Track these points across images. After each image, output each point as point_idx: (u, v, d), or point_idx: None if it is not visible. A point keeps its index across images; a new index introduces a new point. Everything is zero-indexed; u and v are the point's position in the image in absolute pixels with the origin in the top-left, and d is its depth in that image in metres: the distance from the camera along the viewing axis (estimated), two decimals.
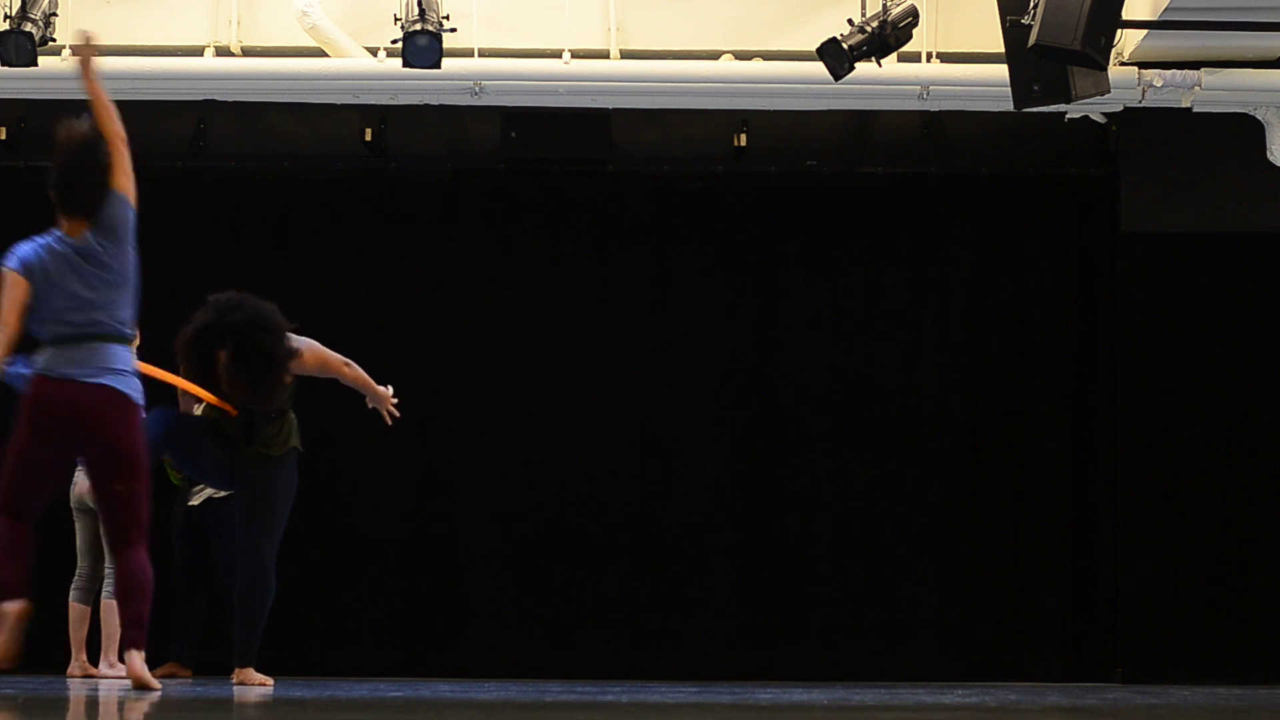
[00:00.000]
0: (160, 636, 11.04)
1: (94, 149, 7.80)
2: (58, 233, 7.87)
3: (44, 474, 7.82)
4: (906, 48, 11.09)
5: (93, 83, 7.85)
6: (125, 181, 7.83)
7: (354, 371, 9.47)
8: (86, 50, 7.93)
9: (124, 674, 10.27)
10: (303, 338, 9.32)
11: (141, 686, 7.94)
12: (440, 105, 12.07)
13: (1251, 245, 11.94)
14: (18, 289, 7.77)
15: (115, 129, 7.82)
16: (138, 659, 7.89)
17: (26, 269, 7.79)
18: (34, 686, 8.72)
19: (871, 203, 12.22)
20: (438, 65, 10.97)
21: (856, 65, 10.94)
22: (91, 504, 10.47)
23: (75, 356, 7.71)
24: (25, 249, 7.87)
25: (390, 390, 9.51)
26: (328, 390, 11.99)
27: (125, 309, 7.80)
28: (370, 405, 9.58)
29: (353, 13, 11.78)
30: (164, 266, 12.06)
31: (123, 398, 7.76)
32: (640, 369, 12.16)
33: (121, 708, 6.90)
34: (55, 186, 7.85)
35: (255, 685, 9.19)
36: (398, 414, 9.53)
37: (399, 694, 8.29)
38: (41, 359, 7.77)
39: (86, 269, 7.77)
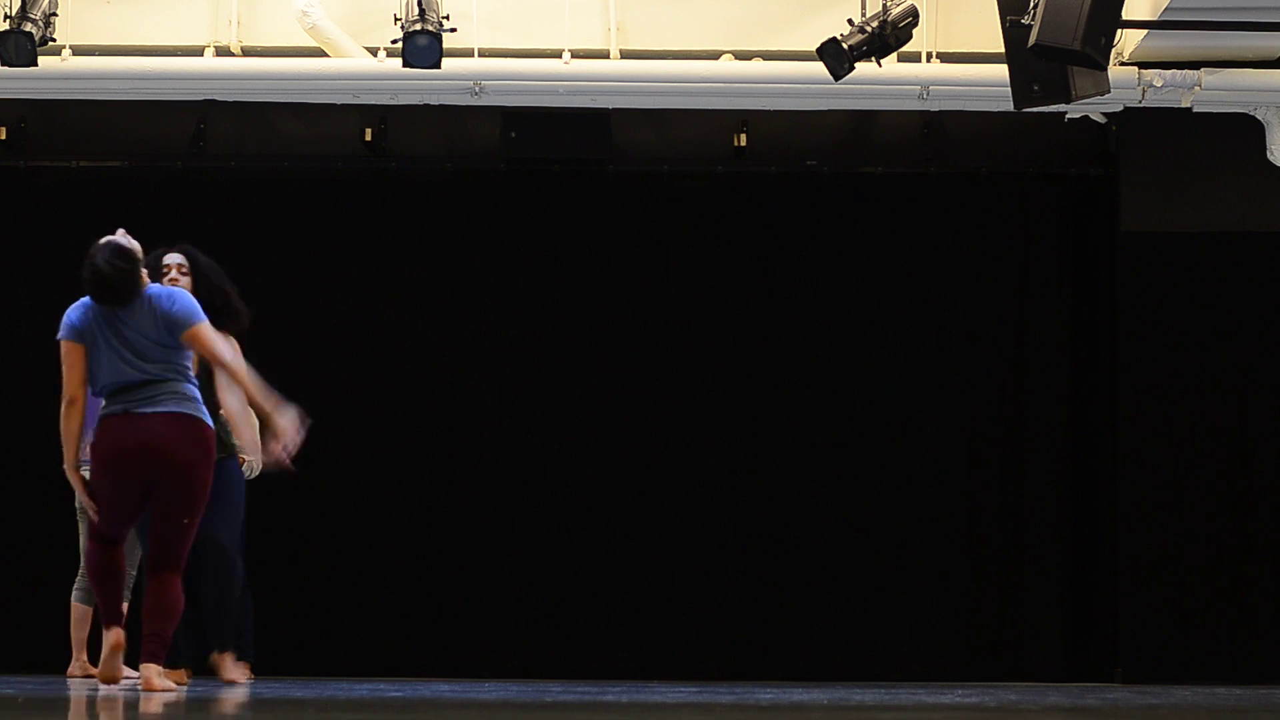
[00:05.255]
0: None
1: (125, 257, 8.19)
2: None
3: (124, 506, 8.24)
4: (906, 48, 11.08)
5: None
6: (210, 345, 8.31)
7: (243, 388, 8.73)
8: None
9: (124, 674, 10.29)
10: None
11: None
12: (440, 105, 12.07)
13: (1251, 245, 11.94)
14: (74, 354, 8.20)
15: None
16: (154, 671, 8.16)
17: (77, 333, 8.21)
18: (34, 686, 8.72)
19: (871, 203, 12.22)
20: (438, 65, 10.96)
21: (856, 65, 10.93)
22: None
23: (140, 396, 8.14)
24: (73, 315, 8.27)
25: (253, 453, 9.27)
26: (327, 391, 12.01)
27: (185, 359, 8.24)
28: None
29: (353, 13, 11.77)
30: None
31: (195, 423, 8.17)
32: (640, 369, 12.16)
33: (121, 708, 6.90)
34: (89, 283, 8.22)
35: (228, 677, 9.21)
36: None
37: (399, 694, 8.29)
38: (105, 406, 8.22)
39: (132, 333, 8.17)
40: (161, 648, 8.17)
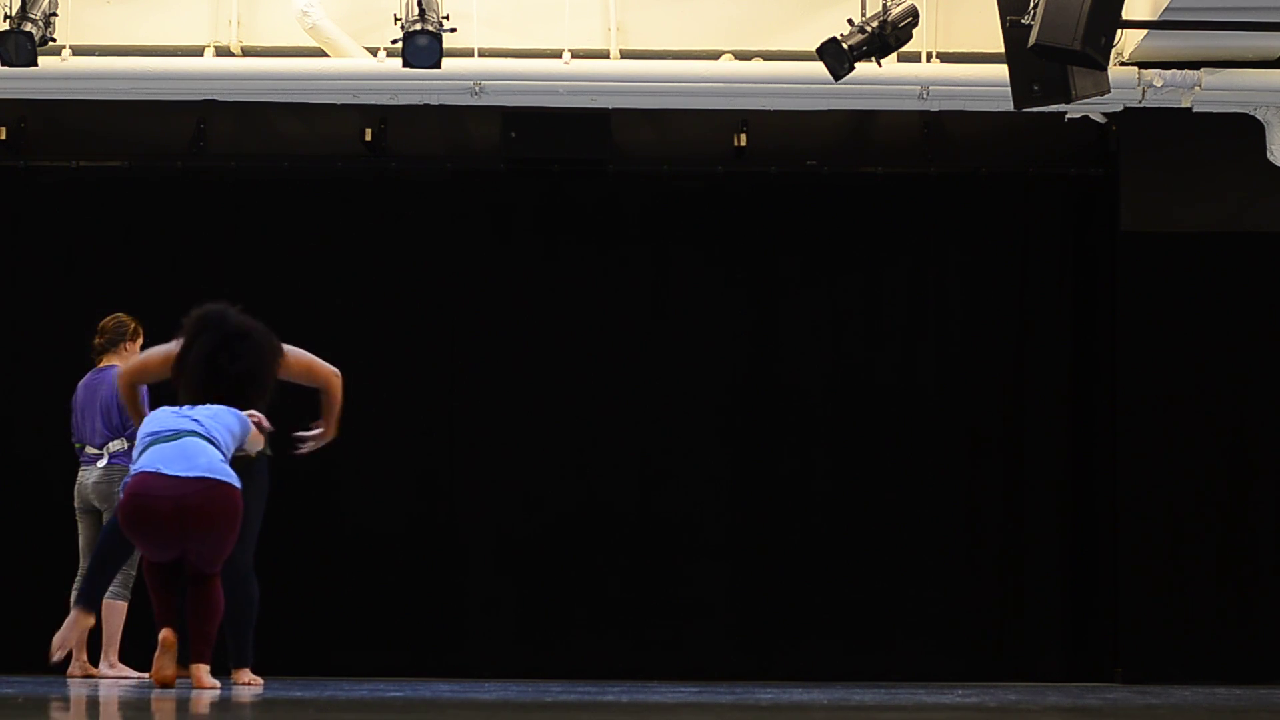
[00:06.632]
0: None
1: None
2: None
3: (155, 553, 8.68)
4: (906, 48, 11.09)
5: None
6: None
7: (334, 388, 9.52)
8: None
9: (124, 674, 10.30)
10: (287, 345, 9.43)
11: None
12: (440, 105, 12.07)
13: (1251, 245, 11.94)
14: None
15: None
16: (203, 671, 8.60)
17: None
18: (34, 686, 8.73)
19: (871, 203, 12.21)
20: (438, 65, 10.96)
21: (856, 65, 10.94)
22: (96, 504, 10.44)
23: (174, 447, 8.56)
24: None
25: (327, 437, 9.56)
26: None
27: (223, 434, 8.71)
28: (310, 431, 9.52)
29: (353, 13, 11.78)
30: (164, 266, 12.07)
31: (227, 489, 8.56)
32: (640, 369, 12.16)
33: (119, 708, 6.90)
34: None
35: (244, 685, 9.25)
36: (305, 451, 9.51)
37: (399, 694, 8.29)
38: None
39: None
40: (208, 647, 8.60)
